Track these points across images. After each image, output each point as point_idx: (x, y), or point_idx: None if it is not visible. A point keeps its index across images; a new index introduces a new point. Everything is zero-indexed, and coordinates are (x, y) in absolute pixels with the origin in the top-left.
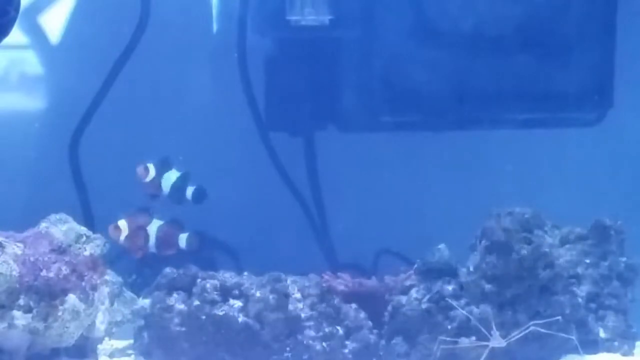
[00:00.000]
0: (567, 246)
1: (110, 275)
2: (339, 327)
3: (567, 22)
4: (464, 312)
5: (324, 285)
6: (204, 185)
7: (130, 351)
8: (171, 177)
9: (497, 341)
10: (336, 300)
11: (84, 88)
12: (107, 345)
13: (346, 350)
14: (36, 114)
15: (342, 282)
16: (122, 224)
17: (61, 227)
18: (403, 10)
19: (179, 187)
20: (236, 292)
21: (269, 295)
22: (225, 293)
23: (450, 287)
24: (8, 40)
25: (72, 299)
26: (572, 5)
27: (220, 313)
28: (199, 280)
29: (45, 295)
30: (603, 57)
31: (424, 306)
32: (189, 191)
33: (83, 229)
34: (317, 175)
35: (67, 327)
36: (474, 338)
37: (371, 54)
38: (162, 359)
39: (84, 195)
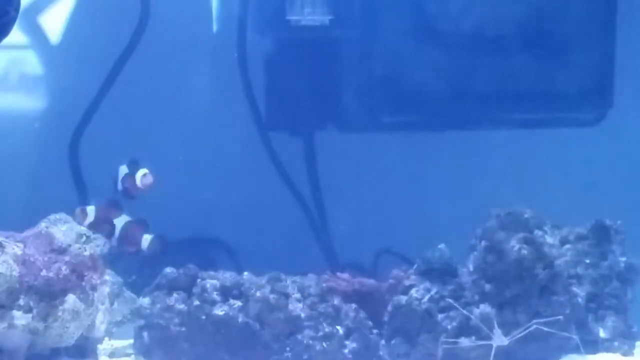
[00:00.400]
0: (567, 246)
1: (110, 275)
2: (338, 327)
3: (567, 22)
4: (464, 311)
5: (324, 285)
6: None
7: (130, 351)
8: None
9: (499, 340)
10: (336, 300)
11: (84, 88)
12: (107, 345)
13: (346, 350)
14: (36, 114)
15: (342, 282)
16: (91, 209)
17: (61, 227)
18: (403, 10)
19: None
20: (236, 292)
21: (269, 295)
22: (225, 293)
23: (450, 287)
24: (8, 40)
25: (72, 299)
26: (572, 5)
27: (220, 313)
28: (199, 280)
29: (45, 295)
30: (603, 57)
31: (424, 306)
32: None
33: (83, 229)
34: (317, 175)
35: (67, 327)
36: (473, 338)
37: (371, 54)
38: (162, 359)
39: (84, 195)
